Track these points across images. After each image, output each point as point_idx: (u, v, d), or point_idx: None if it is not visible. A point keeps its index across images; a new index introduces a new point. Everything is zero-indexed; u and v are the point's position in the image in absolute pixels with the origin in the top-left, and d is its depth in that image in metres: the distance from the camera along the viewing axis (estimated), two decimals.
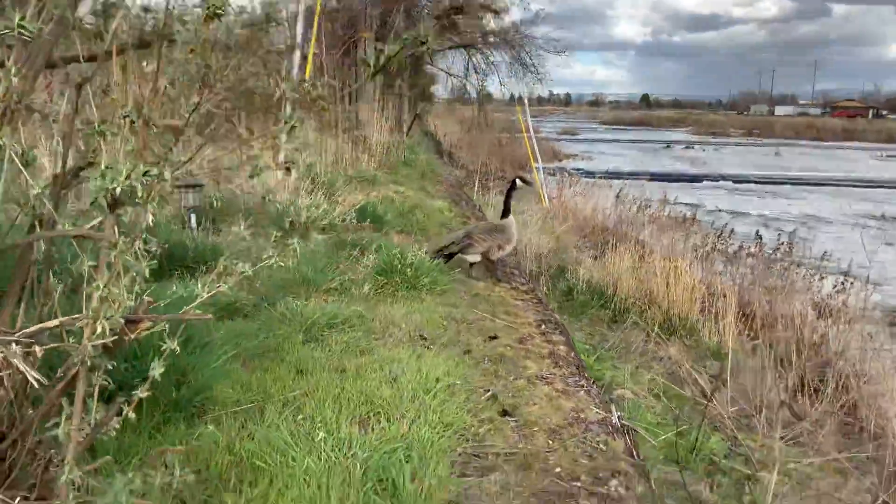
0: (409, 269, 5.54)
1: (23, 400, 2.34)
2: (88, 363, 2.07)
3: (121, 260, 1.87)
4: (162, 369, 2.26)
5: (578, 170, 24.36)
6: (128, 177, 1.77)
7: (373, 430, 3.26)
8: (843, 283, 10.28)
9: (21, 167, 2.14)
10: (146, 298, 2.17)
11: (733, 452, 5.92)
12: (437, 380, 3.83)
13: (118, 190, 1.77)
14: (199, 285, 2.37)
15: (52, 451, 2.32)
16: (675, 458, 4.92)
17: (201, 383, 3.52)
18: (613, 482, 2.95)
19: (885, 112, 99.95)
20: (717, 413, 6.46)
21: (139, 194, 1.78)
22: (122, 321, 2.09)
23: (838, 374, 8.14)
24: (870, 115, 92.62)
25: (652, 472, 3.79)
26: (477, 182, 17.95)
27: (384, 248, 5.97)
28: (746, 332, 9.40)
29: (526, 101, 21.43)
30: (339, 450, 3.02)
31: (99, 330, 2.00)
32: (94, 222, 1.93)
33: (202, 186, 6.29)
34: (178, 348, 2.26)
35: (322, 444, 3.02)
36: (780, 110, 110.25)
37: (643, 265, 10.29)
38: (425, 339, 4.59)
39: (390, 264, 5.58)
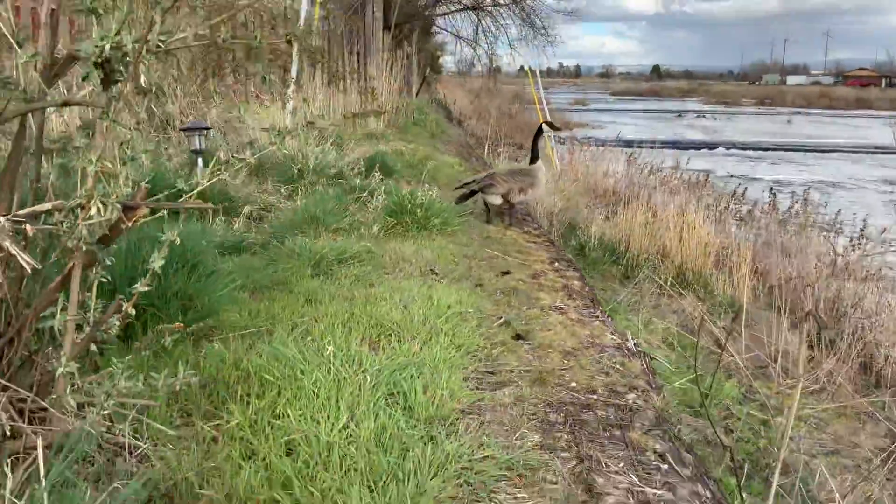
0: (419, 210, 5.42)
1: (18, 298, 2.25)
2: (84, 248, 1.98)
3: (113, 129, 1.77)
4: (162, 261, 2.17)
5: (589, 138, 24.10)
6: (118, 33, 1.65)
7: (383, 350, 3.18)
8: (858, 241, 10.15)
9: (15, 45, 2.03)
10: (143, 185, 2.07)
11: (748, 399, 5.83)
12: (449, 307, 3.73)
13: (108, 48, 1.66)
14: (199, 175, 2.25)
15: (50, 348, 2.24)
16: (689, 404, 4.84)
17: (208, 308, 3.44)
18: (631, 395, 2.85)
19: None
20: (732, 361, 6.37)
21: (129, 52, 1.66)
22: (119, 206, 2.00)
23: (853, 326, 8.04)
24: (883, 84, 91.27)
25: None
26: (487, 146, 17.78)
27: (394, 191, 5.86)
28: (761, 287, 9.29)
29: (538, 72, 21.17)
30: (349, 366, 2.93)
31: (94, 211, 1.90)
32: (84, 91, 1.82)
33: (209, 129, 6.18)
34: (178, 240, 2.16)
35: (331, 358, 2.93)
36: (792, 80, 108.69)
37: (656, 222, 10.16)
38: (436, 273, 4.49)
39: (400, 205, 5.47)
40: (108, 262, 2.19)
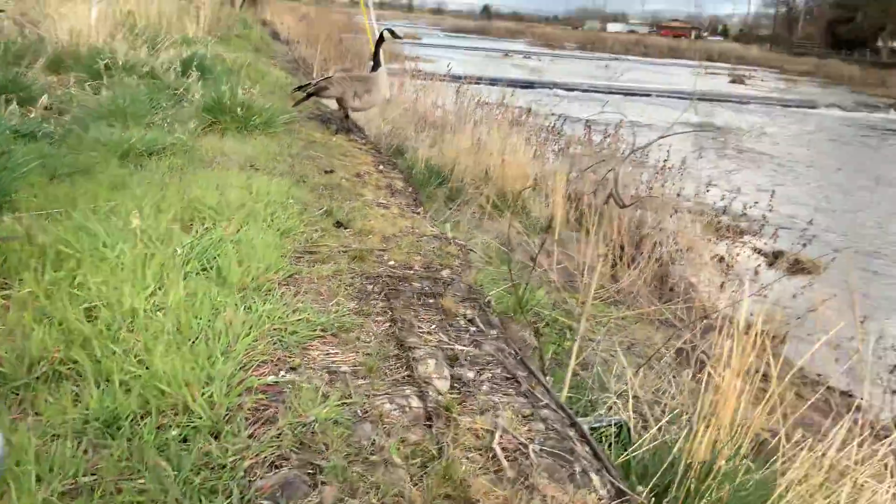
0: (239, 109, 5.20)
1: None
2: None
3: None
4: None
5: (420, 71, 24.05)
6: None
7: (196, 231, 3.05)
8: (660, 173, 10.98)
9: None
10: None
11: (558, 308, 6.22)
12: (269, 194, 3.64)
13: None
14: None
15: None
16: (505, 312, 5.09)
17: None
18: (445, 272, 2.94)
19: (705, 33, 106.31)
20: (545, 274, 6.74)
21: None
22: None
23: (652, 244, 8.78)
24: (692, 36, 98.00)
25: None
26: (316, 67, 17.29)
27: (213, 89, 5.57)
28: (574, 211, 9.86)
29: (371, 2, 20.81)
30: (159, 242, 2.79)
31: None
32: None
33: (2, 11, 5.53)
34: None
35: (138, 233, 2.78)
36: (611, 27, 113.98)
37: (480, 147, 10.47)
38: (257, 169, 4.35)
39: (219, 102, 5.21)
40: None
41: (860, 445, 3.25)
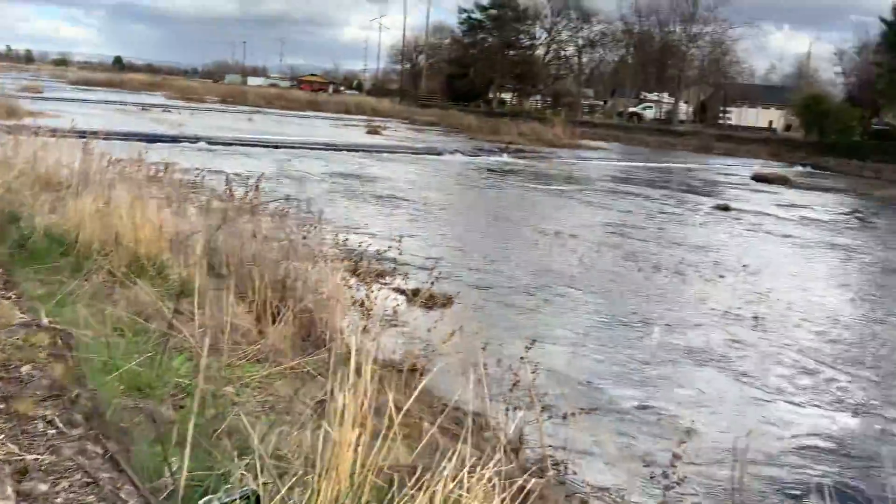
0: None
1: None
2: None
3: None
4: None
5: (42, 127, 21.84)
6: None
7: None
8: (306, 225, 11.22)
9: None
10: None
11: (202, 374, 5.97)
12: None
13: None
14: None
15: None
16: (140, 386, 4.73)
17: None
18: (26, 368, 2.64)
19: (342, 87, 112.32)
20: (186, 340, 6.44)
21: None
22: None
23: (297, 298, 8.89)
24: (330, 90, 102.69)
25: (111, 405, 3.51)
26: None
27: None
28: (216, 270, 9.60)
29: None
30: None
31: None
32: None
33: None
34: None
35: None
36: (252, 81, 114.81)
37: (109, 210, 9.76)
38: None
39: None
40: None
41: (471, 471, 3.53)
